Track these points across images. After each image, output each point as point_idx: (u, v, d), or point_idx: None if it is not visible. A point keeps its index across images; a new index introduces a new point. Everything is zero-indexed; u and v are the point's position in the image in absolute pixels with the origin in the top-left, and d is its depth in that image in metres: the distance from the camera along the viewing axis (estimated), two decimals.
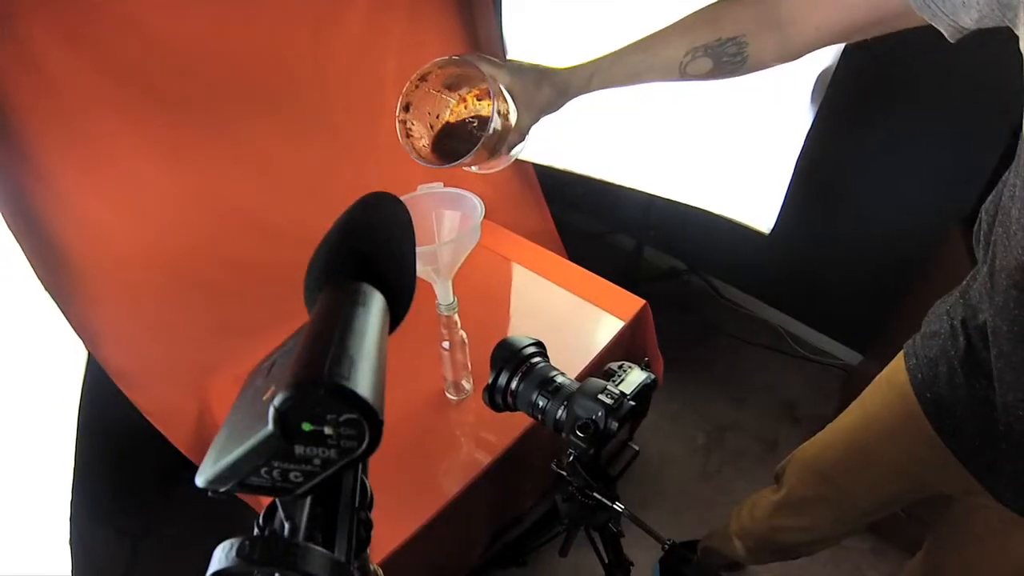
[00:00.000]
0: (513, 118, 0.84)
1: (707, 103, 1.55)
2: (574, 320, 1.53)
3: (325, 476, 0.31)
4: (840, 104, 1.49)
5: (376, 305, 0.39)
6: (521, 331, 1.49)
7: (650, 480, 1.97)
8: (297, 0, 1.37)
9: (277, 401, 0.28)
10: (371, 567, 0.41)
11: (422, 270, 0.99)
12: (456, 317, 1.14)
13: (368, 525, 0.38)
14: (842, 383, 2.28)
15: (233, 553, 0.28)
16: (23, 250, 1.13)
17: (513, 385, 0.90)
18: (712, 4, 0.83)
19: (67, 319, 1.23)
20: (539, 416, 0.88)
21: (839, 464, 1.11)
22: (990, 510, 0.89)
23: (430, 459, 1.23)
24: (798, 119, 1.43)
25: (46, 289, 1.18)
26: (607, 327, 1.47)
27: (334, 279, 0.42)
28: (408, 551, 1.08)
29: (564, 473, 0.94)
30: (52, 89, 1.11)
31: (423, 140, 0.89)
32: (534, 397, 0.87)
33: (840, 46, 1.29)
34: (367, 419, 0.30)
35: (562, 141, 1.87)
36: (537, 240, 1.84)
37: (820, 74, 1.36)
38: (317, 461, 0.30)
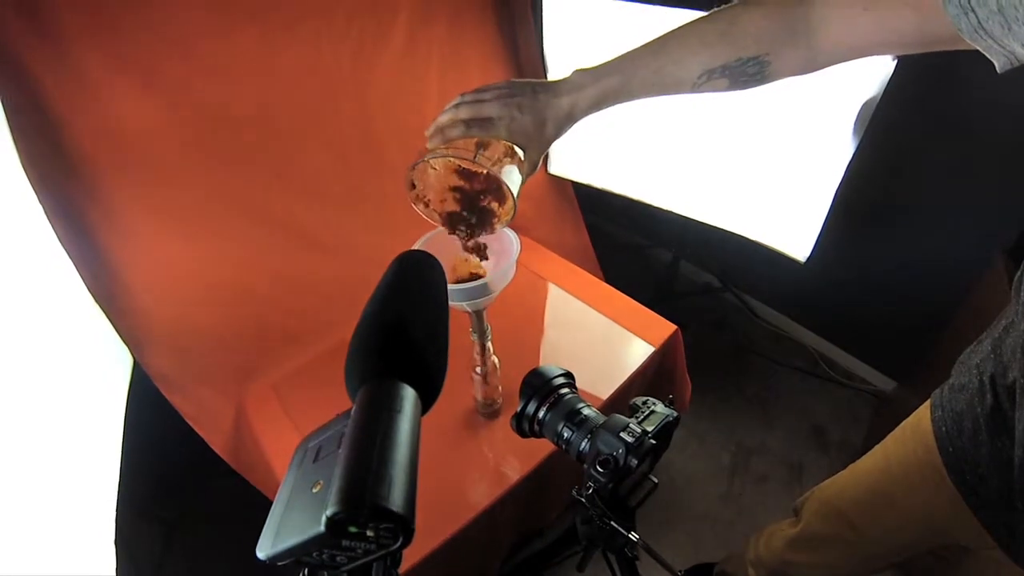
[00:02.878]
0: (521, 155, 0.82)
1: (749, 131, 1.57)
2: (605, 343, 1.55)
3: (366, 561, 0.37)
4: (883, 132, 1.48)
5: (410, 408, 0.44)
6: (553, 351, 1.54)
7: (673, 499, 1.99)
8: (340, 22, 1.41)
9: (329, 512, 0.34)
10: None
11: (456, 304, 1.02)
12: (489, 344, 1.18)
13: None
14: (873, 409, 2.26)
15: None
16: (73, 261, 1.18)
17: (541, 414, 0.92)
18: (727, 12, 0.76)
19: (113, 326, 1.29)
20: (563, 446, 0.90)
21: (857, 506, 1.12)
22: (1005, 566, 0.89)
23: (459, 475, 1.27)
24: (839, 150, 1.43)
25: (94, 298, 1.24)
26: (638, 352, 1.49)
27: (372, 379, 0.46)
28: (433, 561, 1.12)
29: (583, 501, 0.97)
30: (102, 106, 1.16)
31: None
32: (560, 427, 0.90)
33: (885, 78, 1.29)
34: (401, 527, 0.36)
35: (602, 162, 1.90)
36: (572, 257, 1.86)
37: (863, 105, 1.35)
38: (360, 550, 0.36)
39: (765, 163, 1.59)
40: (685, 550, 1.84)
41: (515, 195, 0.83)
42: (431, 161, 0.87)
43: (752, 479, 2.06)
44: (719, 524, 1.93)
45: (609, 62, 0.82)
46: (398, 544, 0.36)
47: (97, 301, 1.24)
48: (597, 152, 1.90)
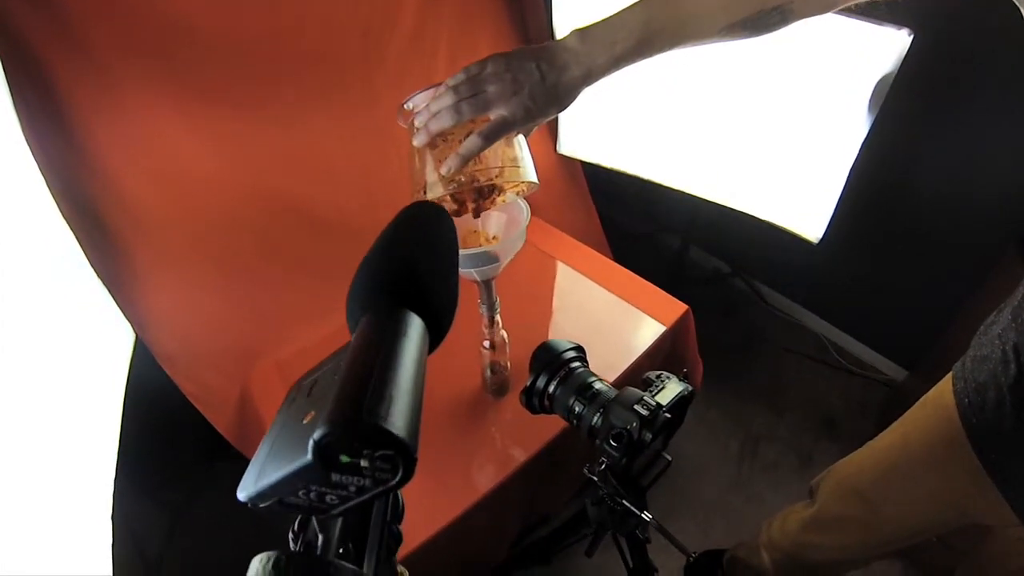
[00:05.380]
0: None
1: (762, 108, 1.54)
2: (616, 322, 1.52)
3: (359, 501, 0.32)
4: (899, 109, 1.44)
5: (416, 334, 0.40)
6: (562, 330, 1.51)
7: (681, 486, 1.96)
8: (348, 3, 1.39)
9: (316, 435, 0.30)
10: (398, 569, 0.42)
11: (464, 272, 1.00)
12: (498, 318, 1.15)
13: (398, 538, 0.39)
14: (884, 399, 2.23)
15: (270, 567, 0.29)
16: (77, 237, 1.17)
17: (551, 389, 0.90)
18: None
19: (117, 304, 1.27)
20: (575, 421, 0.88)
21: (875, 485, 1.08)
22: None
23: (466, 454, 1.25)
24: (854, 127, 1.40)
25: (98, 275, 1.22)
26: (648, 331, 1.46)
27: (376, 305, 0.42)
28: (438, 543, 1.09)
29: (595, 479, 0.94)
30: (107, 82, 1.14)
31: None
32: (571, 402, 0.88)
33: (901, 52, 1.26)
34: (401, 455, 0.31)
35: (611, 142, 1.87)
36: (582, 239, 1.84)
37: (879, 81, 1.32)
38: (352, 488, 0.32)
39: (778, 141, 1.56)
40: (694, 537, 1.82)
41: (534, 177, 0.80)
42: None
43: (761, 466, 2.03)
44: (728, 511, 1.90)
45: (616, 21, 0.76)
46: (397, 479, 0.32)
47: (99, 276, 1.23)
48: (607, 132, 1.87)
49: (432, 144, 0.76)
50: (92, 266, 1.21)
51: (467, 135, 0.73)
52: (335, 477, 0.31)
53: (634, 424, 0.78)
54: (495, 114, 0.72)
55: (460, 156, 0.72)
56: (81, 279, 1.22)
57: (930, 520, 1.03)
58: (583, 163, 2.02)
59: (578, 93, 0.78)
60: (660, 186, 1.84)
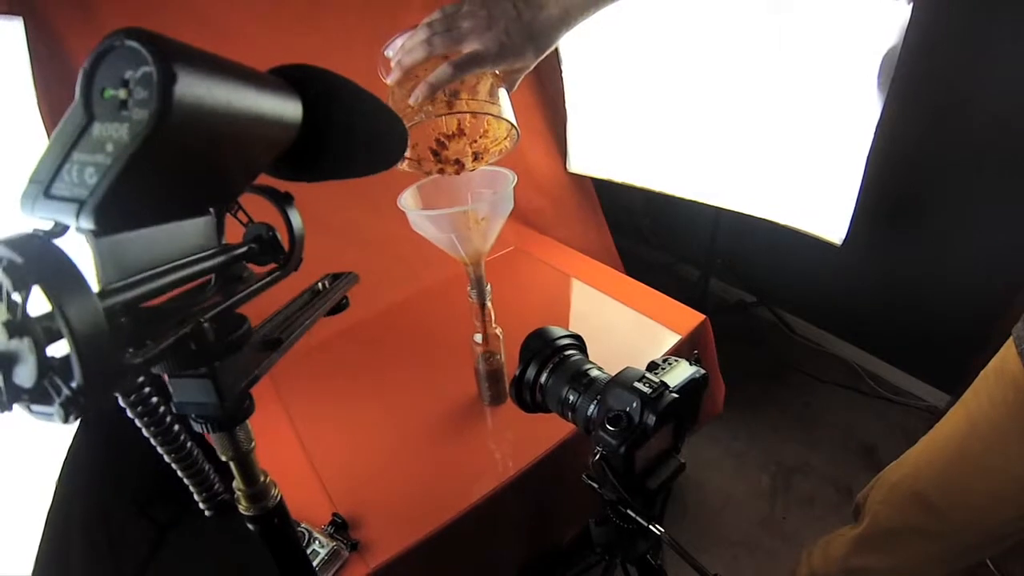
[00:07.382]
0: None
1: (769, 104, 1.48)
2: (629, 333, 1.42)
3: (119, 174, 0.27)
4: (912, 93, 1.35)
5: (286, 104, 0.36)
6: None
7: (708, 523, 1.81)
8: (354, 16, 1.45)
9: (87, 61, 0.27)
10: (256, 470, 0.39)
11: (442, 238, 0.90)
12: (490, 307, 1.04)
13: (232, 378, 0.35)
14: (927, 426, 2.06)
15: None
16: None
17: (543, 379, 0.79)
18: None
19: None
20: (569, 414, 0.77)
21: (939, 483, 0.93)
22: None
23: (456, 464, 1.13)
24: (866, 109, 1.33)
25: None
26: (664, 341, 1.36)
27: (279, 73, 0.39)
28: (415, 558, 0.97)
29: (595, 485, 0.82)
30: None
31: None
32: (564, 392, 0.76)
33: (903, 22, 1.19)
34: (159, 71, 0.26)
35: (621, 155, 1.81)
36: (595, 256, 1.75)
37: (885, 55, 1.26)
38: (110, 147, 0.27)
39: (791, 136, 1.49)
40: None
41: (514, 121, 0.78)
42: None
43: (795, 501, 1.86)
44: (760, 550, 1.73)
45: None
46: (153, 111, 0.26)
47: None
48: (615, 147, 1.82)
49: (405, 81, 0.74)
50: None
51: None
52: (96, 130, 0.27)
53: (634, 404, 0.67)
54: (468, 48, 0.71)
55: (429, 84, 0.70)
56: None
57: (1009, 519, 0.88)
58: (594, 181, 1.96)
59: (557, 35, 0.75)
60: (674, 202, 1.76)
